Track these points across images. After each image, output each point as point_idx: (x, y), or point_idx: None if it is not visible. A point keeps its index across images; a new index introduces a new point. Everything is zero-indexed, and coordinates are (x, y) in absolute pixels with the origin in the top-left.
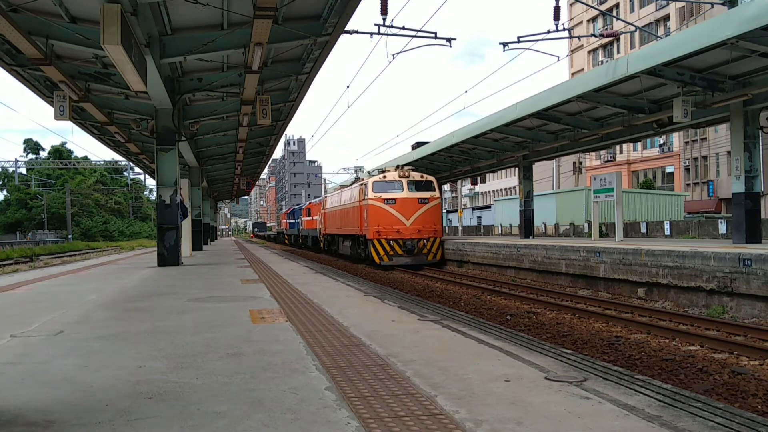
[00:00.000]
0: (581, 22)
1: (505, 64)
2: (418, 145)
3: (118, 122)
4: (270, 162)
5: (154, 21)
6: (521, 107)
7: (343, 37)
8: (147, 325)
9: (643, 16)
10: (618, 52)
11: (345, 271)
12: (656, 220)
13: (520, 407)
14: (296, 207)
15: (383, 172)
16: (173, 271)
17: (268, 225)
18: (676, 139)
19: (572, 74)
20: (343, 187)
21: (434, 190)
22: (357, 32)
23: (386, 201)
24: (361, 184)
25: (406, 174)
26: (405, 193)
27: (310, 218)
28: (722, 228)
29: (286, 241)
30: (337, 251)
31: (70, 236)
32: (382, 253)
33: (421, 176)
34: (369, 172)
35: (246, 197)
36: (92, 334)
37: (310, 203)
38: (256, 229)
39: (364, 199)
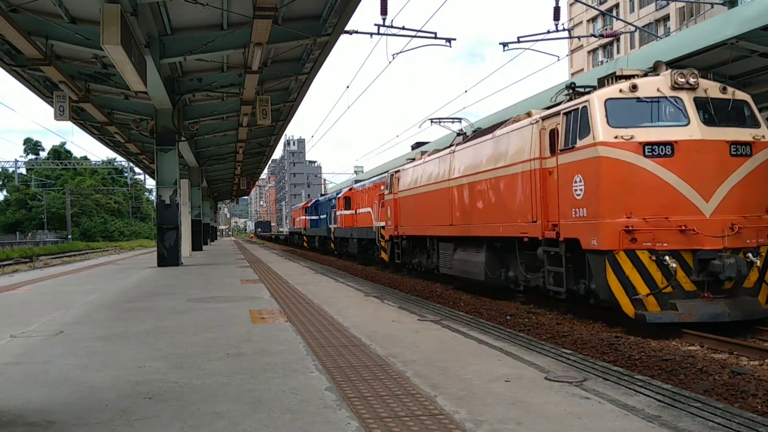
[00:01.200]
0: (581, 22)
1: (504, 64)
2: (417, 145)
3: (118, 122)
4: (270, 162)
5: (154, 21)
6: (521, 107)
7: (343, 37)
8: (147, 326)
9: (643, 16)
10: (618, 52)
11: (345, 271)
12: None
13: (520, 407)
14: (322, 198)
15: (620, 77)
16: (173, 271)
17: (272, 224)
18: None
19: (572, 74)
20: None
21: (757, 124)
22: (357, 32)
23: (648, 149)
24: (556, 114)
25: (689, 81)
26: (695, 129)
27: (350, 212)
28: None
29: (305, 244)
30: (434, 268)
31: (69, 236)
32: (643, 290)
33: (722, 87)
34: (573, 88)
35: (246, 197)
36: (92, 335)
37: (351, 189)
38: (259, 229)
39: (570, 148)
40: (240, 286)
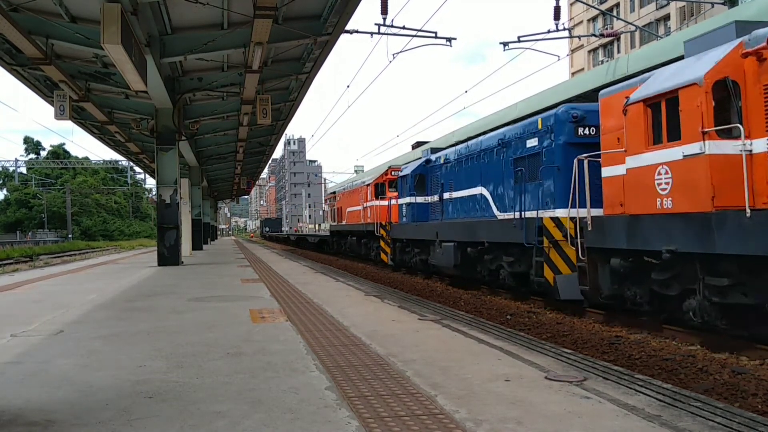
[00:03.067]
0: (581, 22)
1: (505, 63)
2: (418, 144)
3: (118, 122)
4: (270, 162)
5: (155, 20)
6: (521, 107)
7: (344, 37)
8: (147, 325)
9: (644, 15)
10: (618, 51)
11: (345, 270)
12: None
13: (520, 407)
14: (450, 149)
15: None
16: (173, 270)
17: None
18: None
19: (572, 74)
20: None
21: None
22: (357, 32)
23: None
24: None
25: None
26: None
27: None
28: None
29: (387, 257)
30: None
31: (70, 236)
32: None
33: None
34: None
35: (246, 197)
36: (92, 334)
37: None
38: (266, 229)
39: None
40: (240, 285)
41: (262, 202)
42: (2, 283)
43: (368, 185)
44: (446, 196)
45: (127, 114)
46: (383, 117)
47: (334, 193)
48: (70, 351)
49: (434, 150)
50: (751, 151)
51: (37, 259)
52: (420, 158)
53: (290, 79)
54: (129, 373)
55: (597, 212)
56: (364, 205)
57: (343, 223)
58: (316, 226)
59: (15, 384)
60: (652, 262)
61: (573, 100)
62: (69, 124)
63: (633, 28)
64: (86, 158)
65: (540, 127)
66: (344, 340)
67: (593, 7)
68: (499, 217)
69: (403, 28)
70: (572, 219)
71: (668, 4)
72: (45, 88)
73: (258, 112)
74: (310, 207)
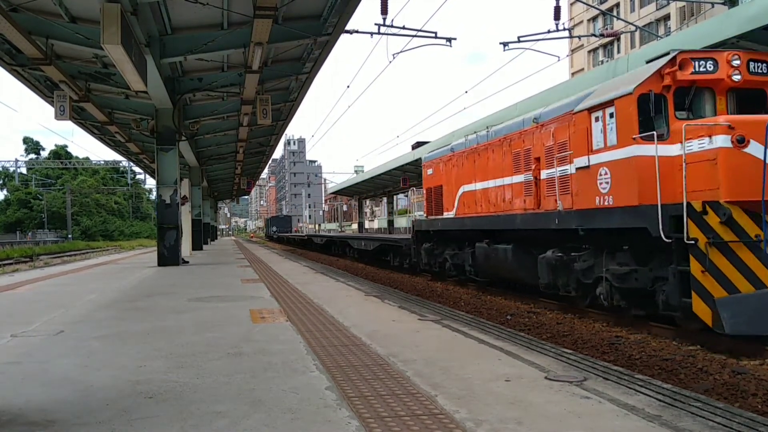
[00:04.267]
0: (581, 22)
1: (505, 64)
2: (418, 144)
3: (119, 122)
4: (270, 162)
5: (154, 20)
6: (521, 107)
7: (344, 37)
8: (147, 325)
9: (644, 15)
10: (618, 51)
11: (345, 270)
12: None
13: (520, 407)
14: None
15: None
16: (173, 270)
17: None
18: None
19: (572, 74)
20: None
21: None
22: (357, 32)
23: None
24: None
25: None
26: None
27: None
28: None
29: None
30: None
31: (70, 236)
32: None
33: None
34: None
35: (246, 197)
36: (92, 334)
37: None
38: (274, 228)
39: None
40: (240, 285)
41: (262, 202)
42: (2, 283)
43: (592, 110)
44: None
45: (127, 114)
46: (383, 117)
47: (335, 192)
48: (70, 351)
49: None
50: None
51: (37, 259)
52: None
53: (290, 80)
54: (129, 373)
55: None
56: (583, 162)
57: (449, 215)
58: (316, 226)
59: (15, 384)
60: None
61: None
62: (69, 125)
63: (633, 28)
64: (86, 158)
65: None
66: (344, 340)
67: (593, 7)
68: None
69: (403, 28)
70: None
71: (668, 4)
72: (45, 89)
73: (258, 112)
74: (310, 207)
